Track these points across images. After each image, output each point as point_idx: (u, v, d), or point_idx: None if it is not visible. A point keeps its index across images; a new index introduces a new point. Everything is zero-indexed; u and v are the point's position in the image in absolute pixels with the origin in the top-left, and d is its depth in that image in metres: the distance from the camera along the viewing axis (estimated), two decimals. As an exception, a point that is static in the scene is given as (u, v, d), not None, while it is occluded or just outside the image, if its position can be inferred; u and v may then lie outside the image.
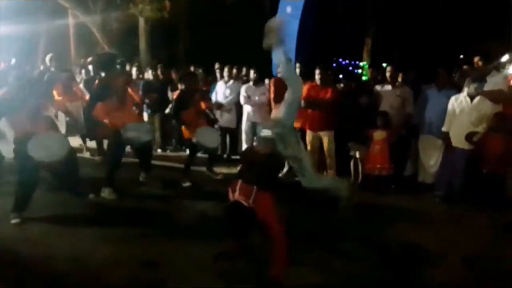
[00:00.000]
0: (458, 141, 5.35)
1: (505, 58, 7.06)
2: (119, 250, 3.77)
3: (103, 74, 5.34)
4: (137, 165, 6.00)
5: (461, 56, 12.79)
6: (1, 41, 11.02)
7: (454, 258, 3.89)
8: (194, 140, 5.71)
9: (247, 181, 3.11)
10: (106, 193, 5.19)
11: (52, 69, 7.50)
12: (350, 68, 17.87)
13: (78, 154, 7.24)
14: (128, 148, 5.78)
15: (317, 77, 5.98)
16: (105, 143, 7.02)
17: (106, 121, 5.20)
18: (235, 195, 3.09)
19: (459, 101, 5.40)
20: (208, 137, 5.79)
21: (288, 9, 10.98)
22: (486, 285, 3.41)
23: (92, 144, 7.36)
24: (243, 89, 7.07)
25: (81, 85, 7.46)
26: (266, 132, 3.35)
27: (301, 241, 3.92)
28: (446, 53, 14.05)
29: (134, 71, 8.23)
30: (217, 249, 3.58)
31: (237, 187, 3.11)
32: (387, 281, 3.43)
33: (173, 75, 8.57)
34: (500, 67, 6.53)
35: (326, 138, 5.99)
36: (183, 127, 5.95)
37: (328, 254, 3.83)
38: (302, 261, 3.56)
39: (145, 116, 7.97)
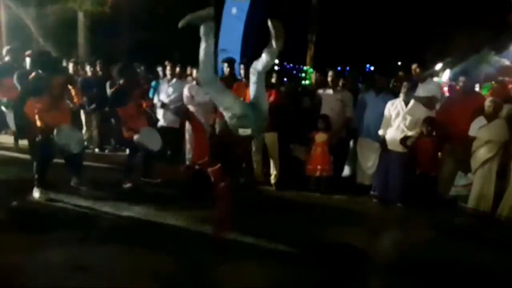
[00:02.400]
0: (394, 144, 5.57)
1: (438, 66, 7.48)
2: (49, 254, 3.55)
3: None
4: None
5: (399, 63, 13.37)
6: None
7: (389, 258, 4.01)
8: (135, 140, 5.51)
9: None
10: (37, 193, 4.93)
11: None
12: (294, 72, 18.13)
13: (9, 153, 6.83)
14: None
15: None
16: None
17: (36, 119, 4.93)
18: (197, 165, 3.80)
19: (394, 106, 5.62)
20: (151, 139, 5.61)
21: (234, 11, 10.95)
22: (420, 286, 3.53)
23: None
24: (186, 89, 6.94)
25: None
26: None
27: (237, 241, 3.96)
28: (385, 59, 14.70)
29: (70, 67, 7.85)
30: (152, 254, 3.63)
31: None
32: (322, 282, 3.47)
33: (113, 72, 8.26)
34: (435, 74, 6.90)
35: (269, 140, 6.01)
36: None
37: (264, 254, 3.82)
38: (236, 261, 3.57)
39: (82, 115, 7.64)
